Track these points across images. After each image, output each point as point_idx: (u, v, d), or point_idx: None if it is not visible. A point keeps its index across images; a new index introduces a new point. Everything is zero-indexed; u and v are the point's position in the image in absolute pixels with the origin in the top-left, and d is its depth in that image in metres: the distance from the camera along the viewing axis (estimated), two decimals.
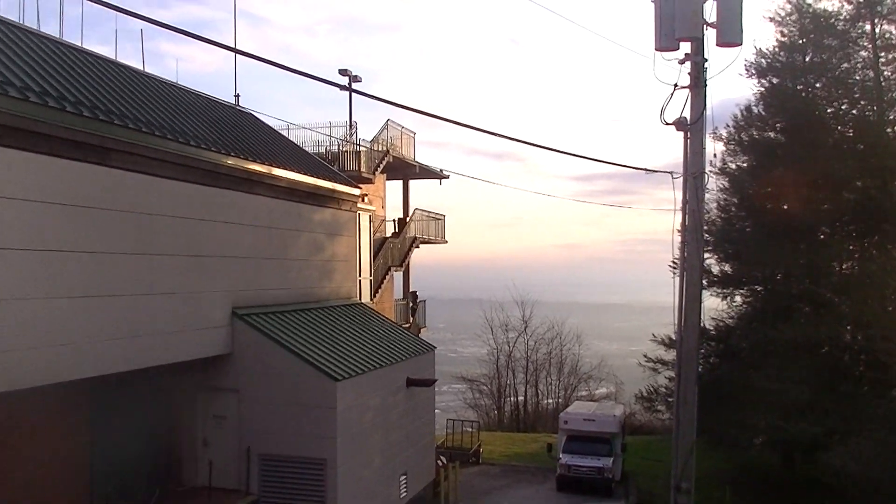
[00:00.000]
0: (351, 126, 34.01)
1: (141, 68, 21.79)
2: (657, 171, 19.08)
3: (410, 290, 39.62)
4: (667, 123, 15.98)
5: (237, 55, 15.93)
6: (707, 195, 21.38)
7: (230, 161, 18.98)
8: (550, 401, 61.08)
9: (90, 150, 14.58)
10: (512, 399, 61.30)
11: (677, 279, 16.65)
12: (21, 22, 17.94)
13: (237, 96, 27.08)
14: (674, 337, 24.51)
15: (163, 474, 19.26)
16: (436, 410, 26.44)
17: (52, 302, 13.72)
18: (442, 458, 28.86)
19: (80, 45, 19.26)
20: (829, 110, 32.06)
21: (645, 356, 35.79)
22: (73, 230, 14.24)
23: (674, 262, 20.86)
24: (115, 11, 9.23)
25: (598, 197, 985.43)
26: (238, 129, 22.71)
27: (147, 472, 18.65)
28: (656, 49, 16.21)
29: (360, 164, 31.94)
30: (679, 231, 17.32)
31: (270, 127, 27.45)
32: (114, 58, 20.66)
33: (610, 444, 30.62)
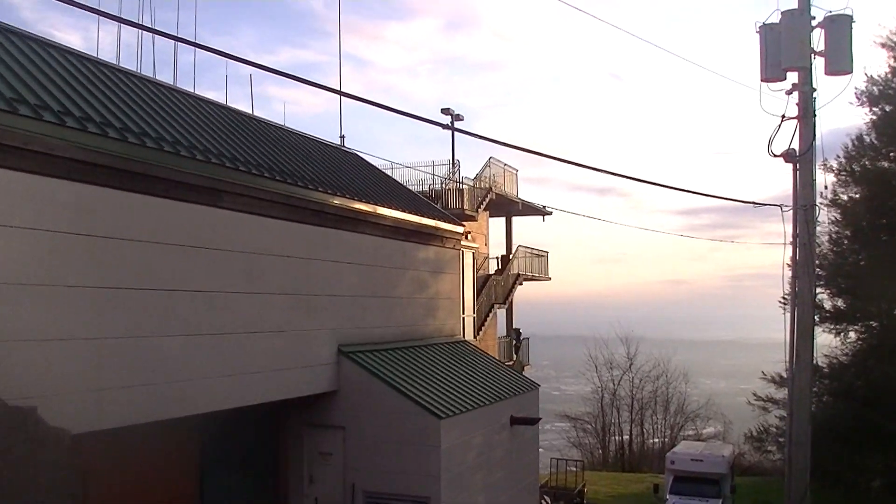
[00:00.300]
0: (453, 164, 34.38)
1: (250, 112, 22.49)
2: (765, 205, 18.67)
3: (514, 326, 39.55)
4: (775, 155, 15.68)
5: (342, 97, 16.29)
6: (818, 228, 20.87)
7: (336, 201, 19.34)
8: (656, 440, 59.91)
9: (203, 192, 15.07)
10: (617, 438, 60.33)
11: (788, 315, 16.23)
12: (138, 70, 18.75)
13: (342, 137, 27.63)
14: (785, 374, 23.87)
15: None
16: (539, 449, 26.19)
17: (166, 340, 14.14)
18: (546, 497, 28.55)
19: (192, 90, 20.01)
20: None
21: (754, 394, 34.89)
22: (187, 270, 14.69)
23: (784, 298, 20.31)
24: (225, 58, 9.61)
25: (703, 231, 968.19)
26: (343, 169, 23.16)
27: None
28: (762, 80, 15.98)
29: (463, 201, 32.22)
30: (789, 265, 16.90)
31: (374, 166, 27.90)
32: (224, 102, 21.36)
33: (718, 485, 29.77)
